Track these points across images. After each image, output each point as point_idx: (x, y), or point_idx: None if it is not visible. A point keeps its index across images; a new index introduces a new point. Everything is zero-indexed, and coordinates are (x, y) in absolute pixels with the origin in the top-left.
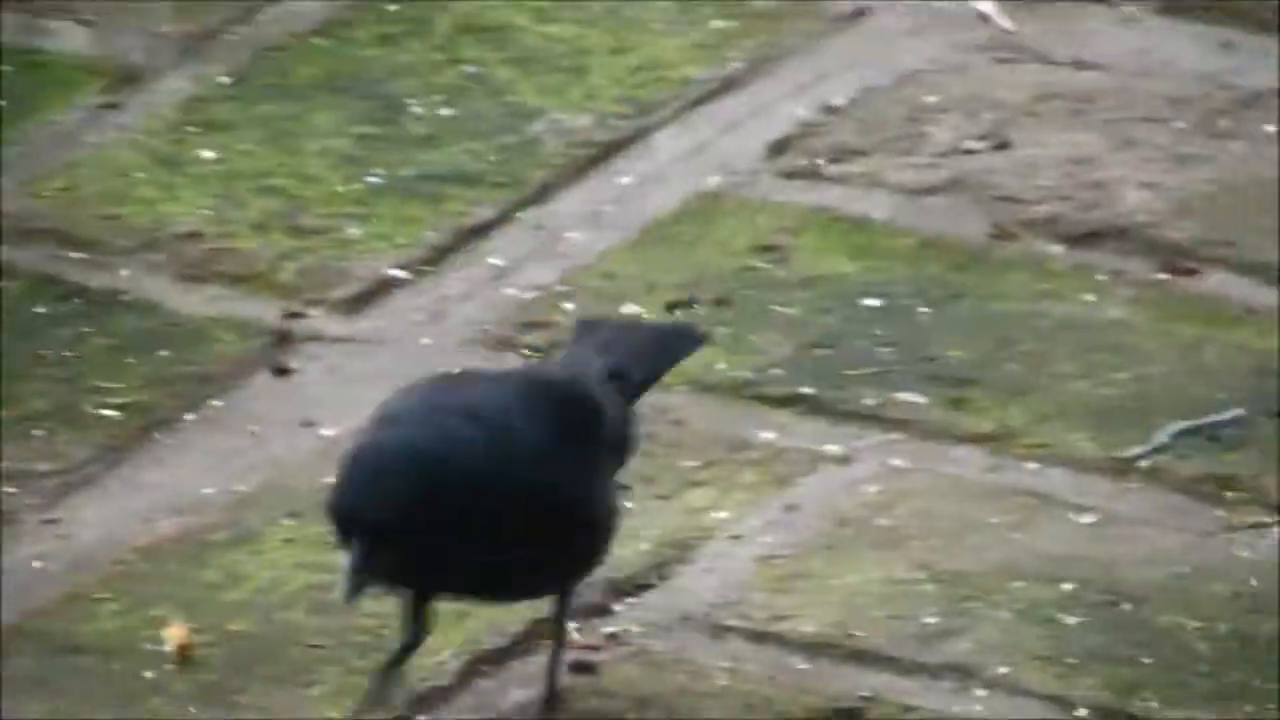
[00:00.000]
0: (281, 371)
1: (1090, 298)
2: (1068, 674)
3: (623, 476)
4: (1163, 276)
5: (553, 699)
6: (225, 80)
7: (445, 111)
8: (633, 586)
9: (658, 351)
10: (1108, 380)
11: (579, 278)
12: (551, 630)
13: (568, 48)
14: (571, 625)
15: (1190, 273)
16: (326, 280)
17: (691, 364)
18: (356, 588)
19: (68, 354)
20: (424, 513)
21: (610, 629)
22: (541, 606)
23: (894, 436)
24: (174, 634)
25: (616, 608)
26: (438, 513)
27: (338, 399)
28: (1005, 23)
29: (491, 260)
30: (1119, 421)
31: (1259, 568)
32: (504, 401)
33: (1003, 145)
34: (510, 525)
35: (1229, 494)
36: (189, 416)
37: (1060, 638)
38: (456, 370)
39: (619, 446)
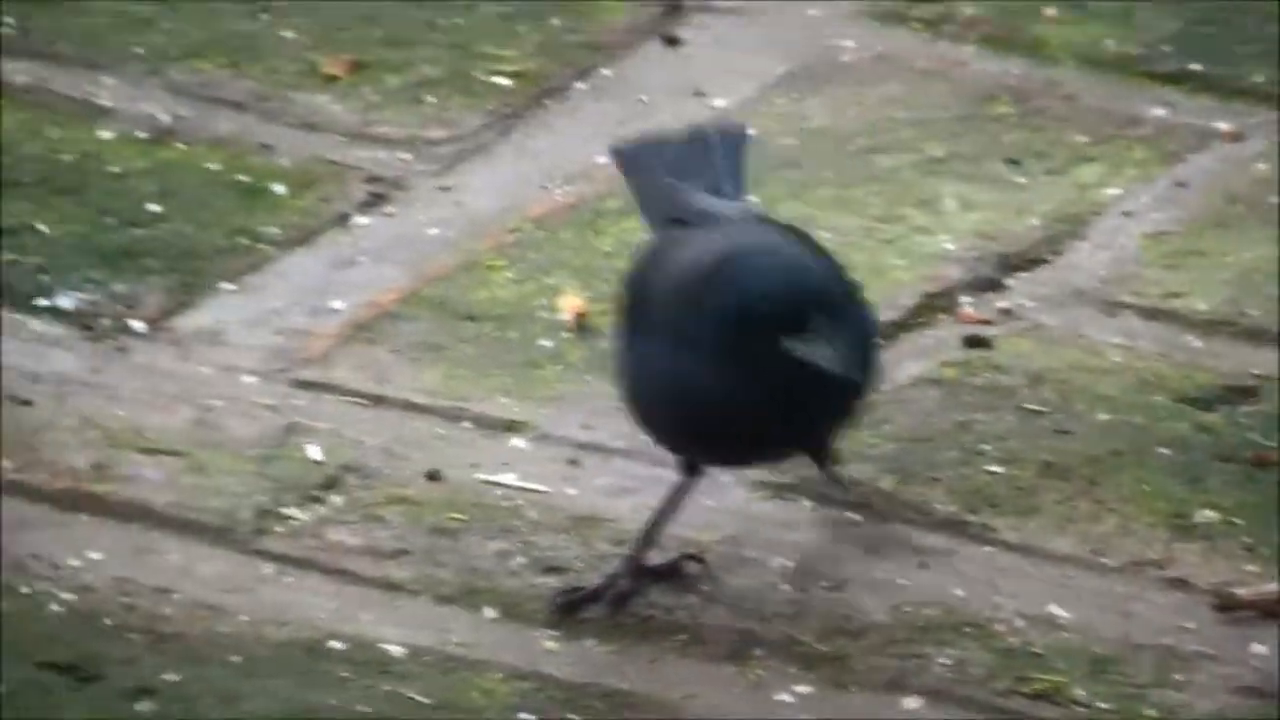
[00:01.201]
0: (671, 41)
1: None
2: None
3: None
4: None
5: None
6: None
7: None
8: (1025, 261)
9: (733, 166)
10: None
11: None
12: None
13: None
14: (964, 300)
15: None
16: None
17: (1079, 38)
18: (848, 360)
19: (459, 21)
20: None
21: (1003, 304)
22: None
23: None
24: (569, 302)
25: (1009, 282)
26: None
27: (726, 69)
28: None
29: None
30: None
31: None
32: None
33: None
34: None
35: None
36: (579, 85)
37: None
38: None
39: None
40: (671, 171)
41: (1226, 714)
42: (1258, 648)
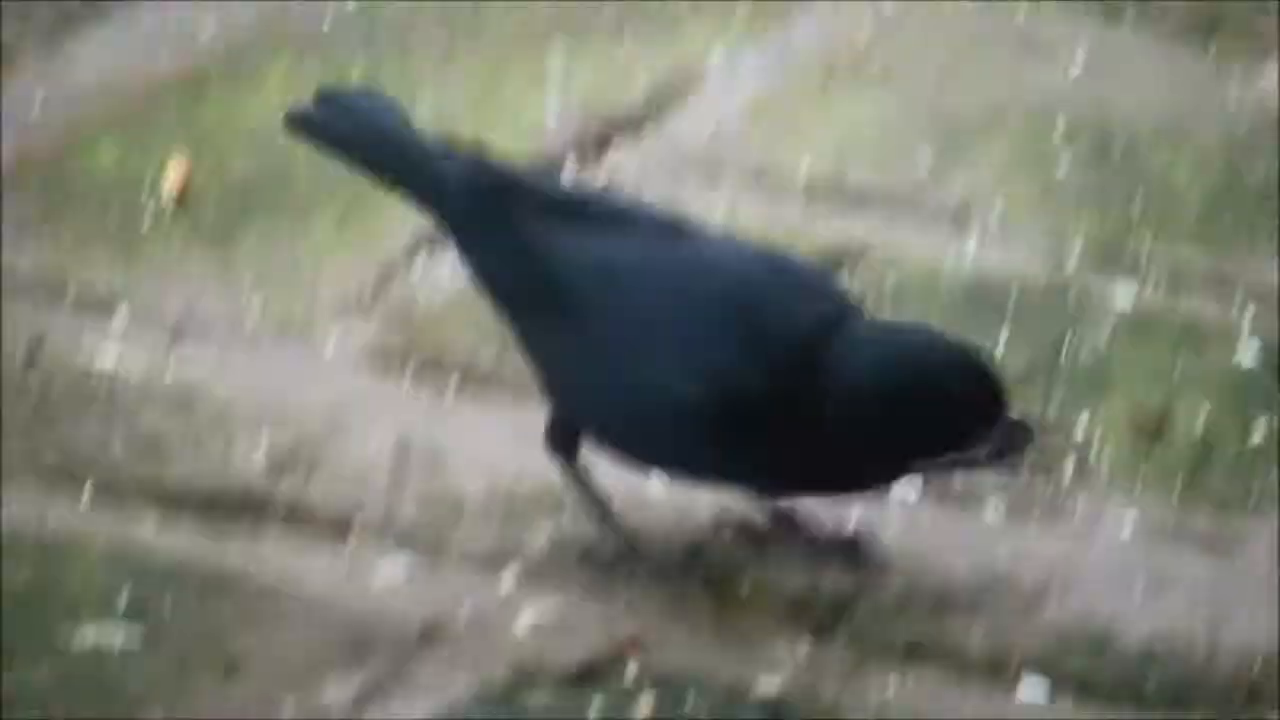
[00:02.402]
0: None
1: None
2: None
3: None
4: None
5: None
6: None
7: None
8: (629, 126)
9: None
10: None
11: None
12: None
13: None
14: (568, 165)
15: None
16: None
17: None
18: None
19: None
20: None
21: (606, 171)
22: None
23: None
24: (172, 176)
25: (612, 149)
26: None
27: None
28: None
29: None
30: None
31: (1251, 110)
32: None
33: None
34: None
35: (1219, 35)
36: None
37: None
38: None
39: None
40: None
41: (823, 585)
42: None
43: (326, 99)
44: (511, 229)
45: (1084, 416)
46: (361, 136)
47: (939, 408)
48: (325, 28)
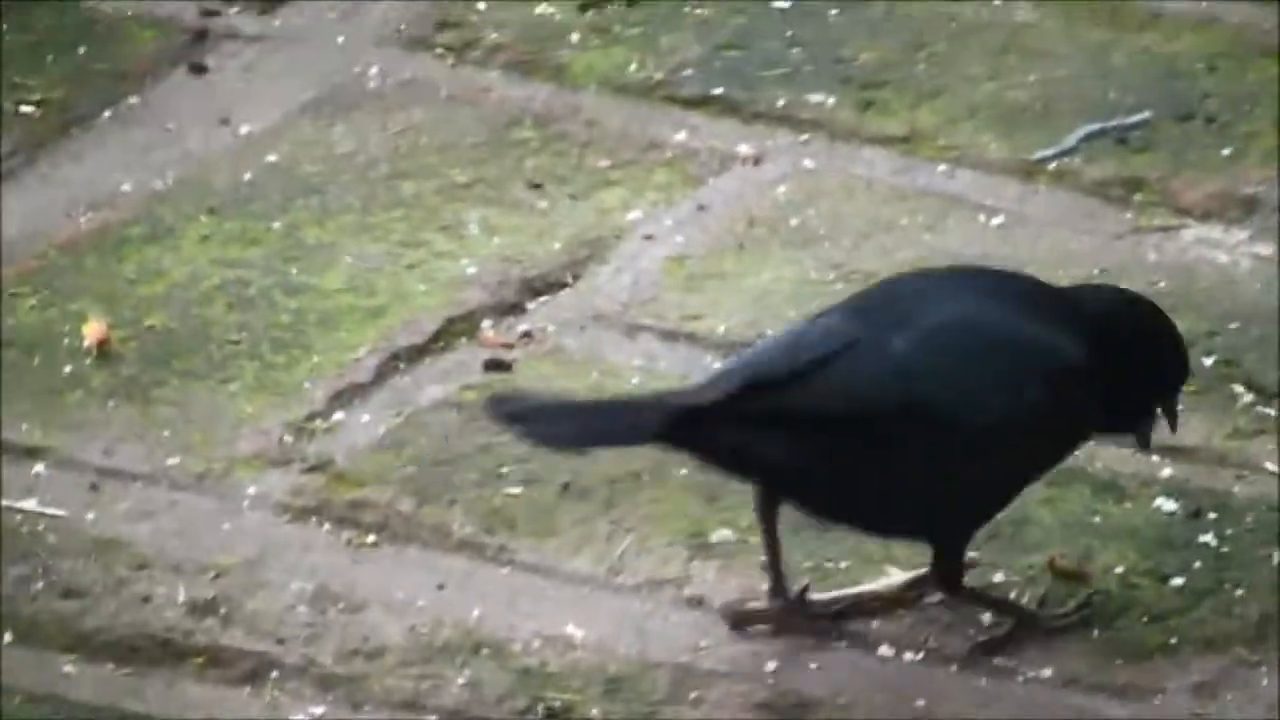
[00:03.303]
0: (198, 69)
1: (999, 0)
2: None
3: (536, 175)
4: None
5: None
6: None
7: None
8: (546, 285)
9: None
10: (1016, 82)
11: None
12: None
13: None
14: (486, 324)
15: None
16: None
17: (603, 63)
18: None
19: None
20: None
21: (524, 326)
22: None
23: (804, 137)
24: (92, 329)
25: (530, 306)
26: None
27: (253, 96)
28: None
29: None
30: (1028, 124)
31: (1167, 269)
32: None
33: None
34: None
35: (1137, 196)
36: (106, 114)
37: None
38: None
39: None
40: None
41: None
42: (771, 664)
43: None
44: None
45: (1007, 563)
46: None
47: (1178, 350)
48: (243, 187)
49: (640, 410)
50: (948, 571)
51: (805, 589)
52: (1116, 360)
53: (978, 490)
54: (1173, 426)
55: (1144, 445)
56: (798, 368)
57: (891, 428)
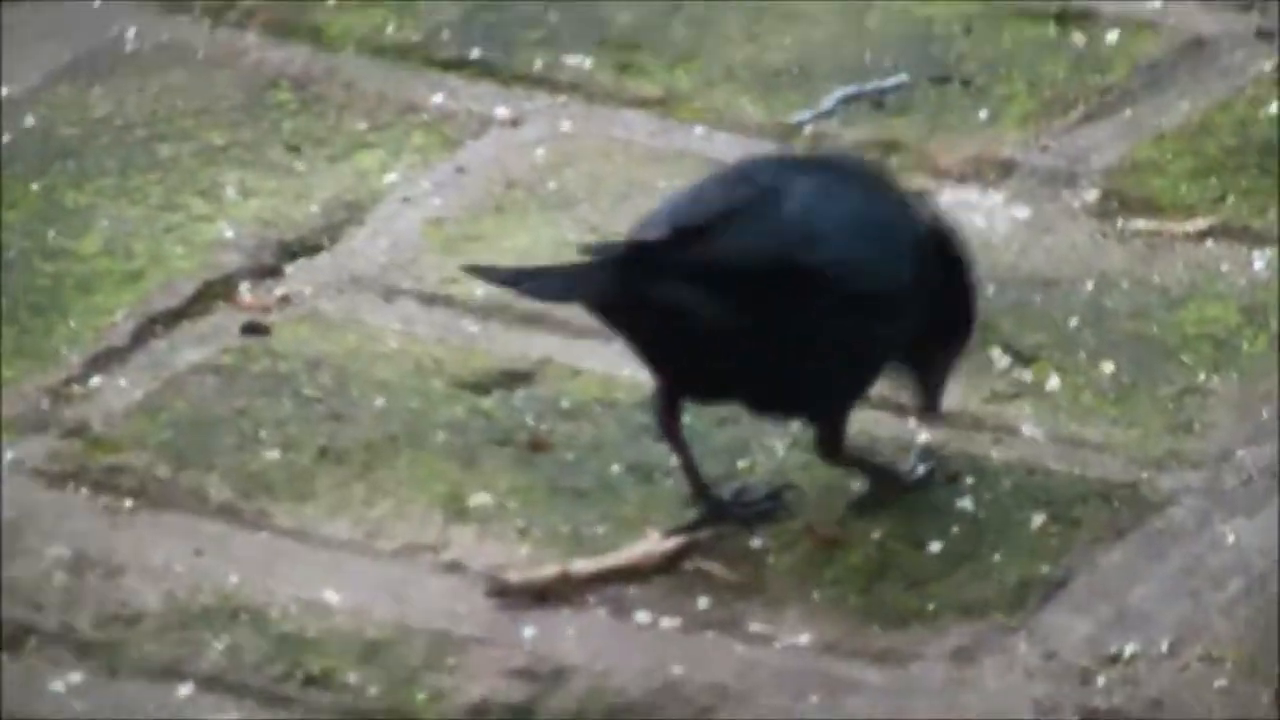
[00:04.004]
0: None
1: None
2: None
3: (293, 137)
4: None
5: None
6: None
7: None
8: (304, 248)
9: None
10: (773, 45)
11: None
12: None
13: None
14: (243, 287)
15: None
16: None
17: (361, 25)
18: None
19: None
20: None
21: (282, 290)
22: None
23: (562, 99)
24: None
25: (288, 269)
26: None
27: (10, 59)
28: None
29: None
30: (785, 86)
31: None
32: None
33: None
34: None
35: (894, 159)
36: None
37: None
38: None
39: None
40: None
41: (496, 696)
42: (529, 630)
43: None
44: None
45: (763, 528)
46: None
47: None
48: (0, 150)
49: (593, 270)
50: (832, 441)
51: (740, 488)
52: (941, 279)
53: (864, 361)
54: (934, 402)
55: (932, 408)
56: (711, 219)
57: (797, 283)
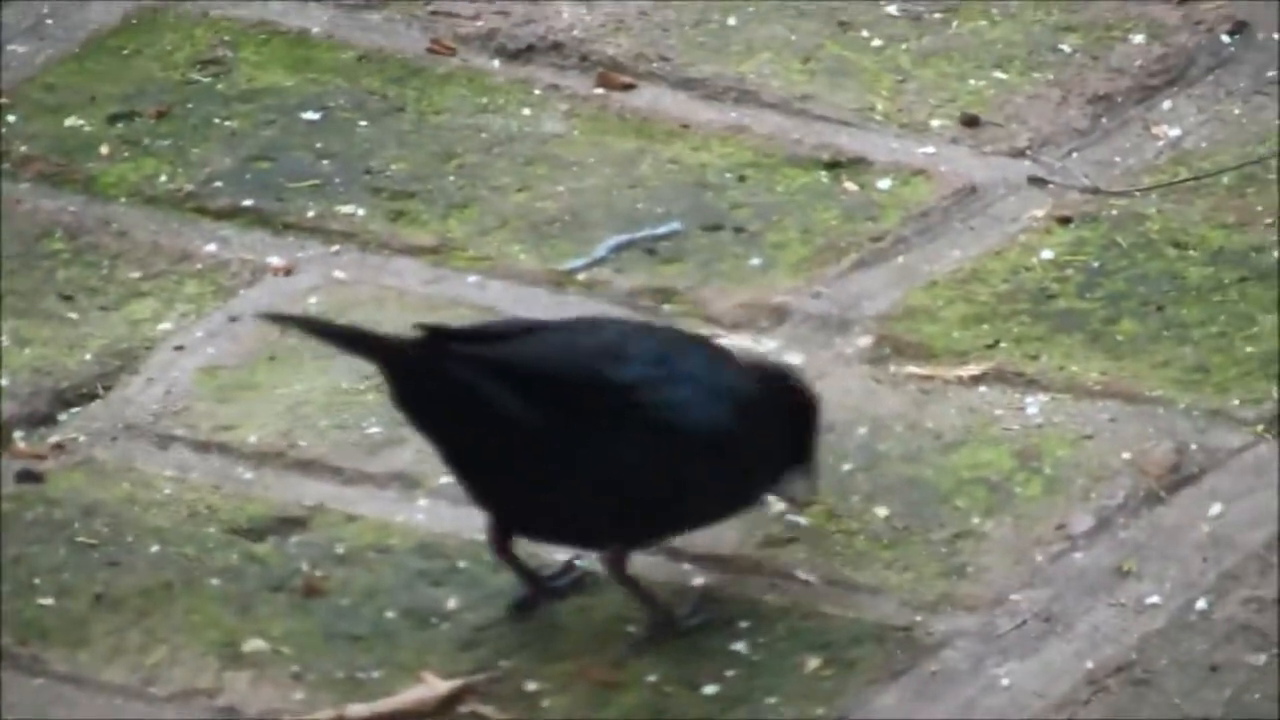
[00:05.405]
0: None
1: (527, 112)
2: None
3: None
4: (598, 91)
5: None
6: None
7: None
8: (78, 396)
9: None
10: (546, 193)
11: (21, 90)
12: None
13: None
14: (18, 435)
15: (626, 87)
16: None
17: (133, 175)
18: None
19: None
20: None
21: (56, 438)
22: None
23: (335, 248)
24: None
25: (61, 417)
26: None
27: None
28: None
29: None
30: (557, 234)
31: None
32: None
33: None
34: None
35: (668, 306)
36: None
37: None
38: None
39: None
40: None
41: None
42: None
43: None
44: None
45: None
46: None
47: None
48: None
49: (402, 340)
50: (617, 555)
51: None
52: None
53: (669, 500)
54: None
55: (809, 492)
56: (527, 328)
57: (598, 396)
